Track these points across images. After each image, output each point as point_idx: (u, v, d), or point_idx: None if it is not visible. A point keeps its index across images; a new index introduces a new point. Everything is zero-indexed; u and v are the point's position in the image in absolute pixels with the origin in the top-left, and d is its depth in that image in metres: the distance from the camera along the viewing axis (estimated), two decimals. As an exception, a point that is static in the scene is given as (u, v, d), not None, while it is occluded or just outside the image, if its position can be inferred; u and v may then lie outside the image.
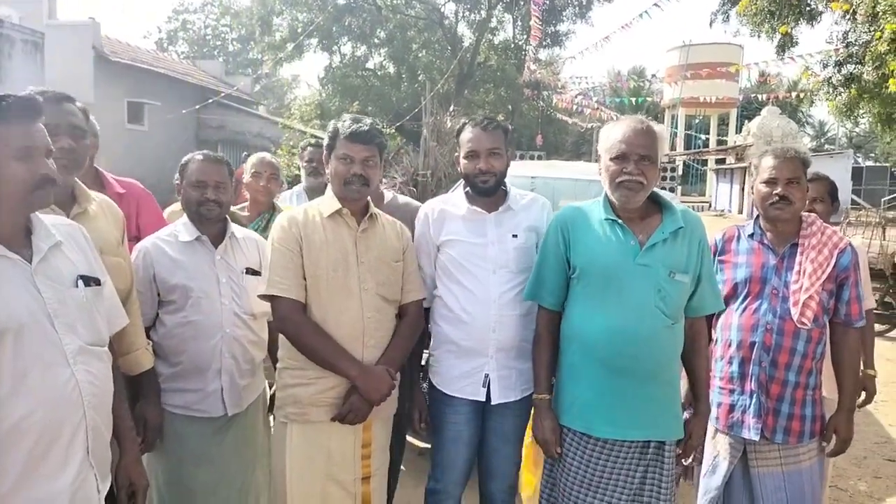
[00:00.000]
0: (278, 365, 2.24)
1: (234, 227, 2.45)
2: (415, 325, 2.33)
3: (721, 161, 31.97)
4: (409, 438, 3.84)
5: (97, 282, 1.63)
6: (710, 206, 30.02)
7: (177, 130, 18.48)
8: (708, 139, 34.97)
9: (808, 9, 9.26)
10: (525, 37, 18.44)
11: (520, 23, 23.65)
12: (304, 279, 2.14)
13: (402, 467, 3.14)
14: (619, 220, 2.09)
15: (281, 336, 2.22)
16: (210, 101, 18.32)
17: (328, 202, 2.22)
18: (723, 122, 36.27)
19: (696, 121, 35.99)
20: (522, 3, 18.96)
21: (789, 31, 9.16)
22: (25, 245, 1.49)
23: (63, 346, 1.47)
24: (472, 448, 2.40)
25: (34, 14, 15.53)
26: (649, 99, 31.14)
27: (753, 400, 2.31)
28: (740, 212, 27.73)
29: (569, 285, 2.17)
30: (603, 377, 2.05)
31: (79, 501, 1.49)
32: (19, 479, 1.40)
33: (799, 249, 2.35)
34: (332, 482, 2.16)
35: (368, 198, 2.26)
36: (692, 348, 2.18)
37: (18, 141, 1.42)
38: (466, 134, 2.36)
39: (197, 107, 18.27)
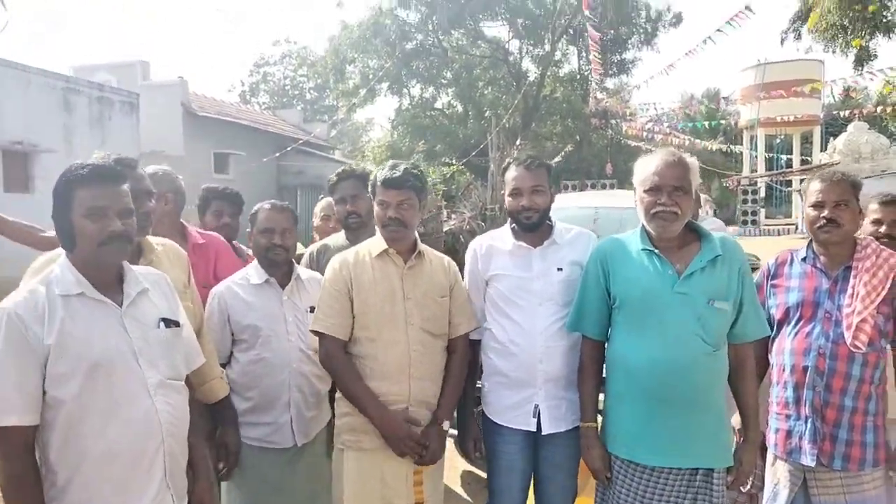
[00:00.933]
0: (336, 395, 2.41)
1: (299, 269, 2.67)
2: (463, 360, 2.47)
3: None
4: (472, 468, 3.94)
5: (177, 324, 1.85)
6: (796, 228, 28.62)
7: (259, 178, 19.48)
8: (791, 159, 33.53)
9: (883, 21, 8.92)
10: (590, 68, 18.49)
11: (584, 54, 23.71)
12: (353, 317, 2.32)
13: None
14: (656, 251, 2.16)
15: None
16: (289, 148, 19.26)
17: (377, 243, 2.40)
18: (806, 140, 34.71)
19: (778, 140, 34.61)
20: (586, 34, 19.05)
21: (864, 44, 8.82)
22: (117, 291, 1.74)
23: (146, 380, 1.69)
24: (525, 476, 2.46)
25: (129, 76, 16.98)
26: (724, 121, 30.25)
27: (808, 425, 2.28)
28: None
29: (611, 315, 2.24)
30: (646, 405, 2.11)
31: None
32: (109, 498, 1.61)
33: (852, 273, 2.33)
34: None
35: (417, 236, 2.43)
36: (738, 375, 2.20)
37: (88, 202, 1.65)
38: (511, 173, 2.48)
39: (277, 154, 19.23)
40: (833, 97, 24.00)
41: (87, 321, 1.64)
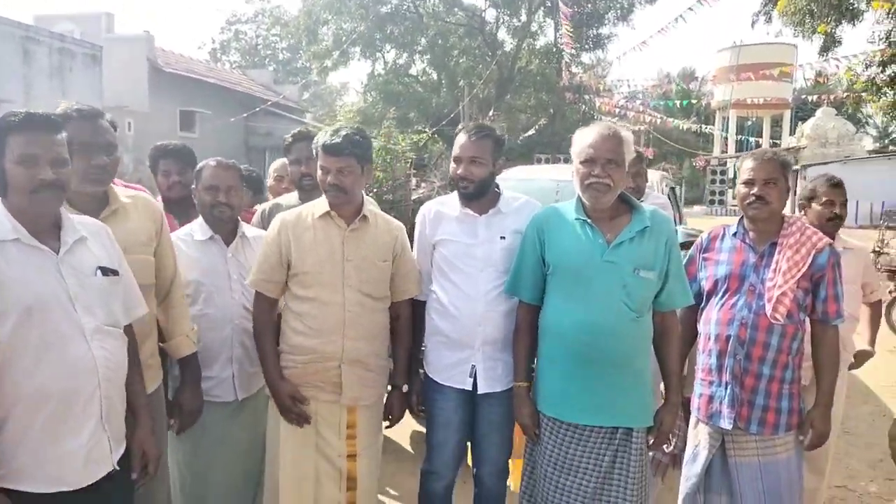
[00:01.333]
0: (278, 348, 2.46)
1: (244, 227, 2.69)
2: (409, 323, 2.57)
3: (772, 163, 31.05)
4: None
5: (115, 273, 1.87)
6: (760, 209, 29.12)
7: (226, 138, 19.18)
8: (760, 142, 34.08)
9: (849, 8, 9.06)
10: (565, 41, 18.46)
11: (561, 27, 23.63)
12: (288, 275, 2.39)
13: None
14: (589, 220, 2.24)
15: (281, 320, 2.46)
16: (258, 108, 18.96)
17: (321, 204, 2.44)
18: (776, 123, 35.27)
19: (749, 123, 35.11)
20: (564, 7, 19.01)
21: (829, 30, 8.97)
22: (55, 238, 1.75)
23: (82, 325, 1.72)
24: (461, 434, 2.56)
25: (93, 29, 16.44)
26: (696, 101, 30.49)
27: (728, 391, 2.40)
28: (791, 211, 26.87)
29: (545, 281, 2.33)
30: (572, 366, 2.21)
31: (93, 459, 1.73)
32: (42, 437, 1.65)
33: (777, 248, 2.44)
34: (321, 455, 2.40)
35: (363, 199, 2.46)
36: (662, 341, 2.32)
37: (19, 149, 1.66)
38: (457, 140, 2.53)
39: (245, 115, 18.92)
40: (804, 81, 24.46)
41: (22, 266, 1.66)
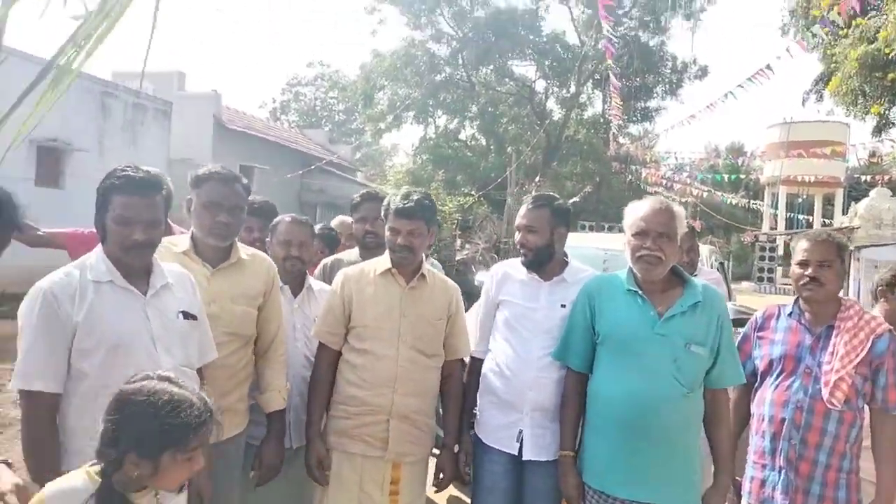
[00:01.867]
0: (332, 399, 2.52)
1: (311, 281, 2.83)
2: (460, 383, 2.62)
3: (825, 242, 30.23)
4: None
5: (194, 317, 2.01)
6: (812, 288, 28.21)
7: (282, 193, 19.80)
8: (811, 220, 33.38)
9: (904, 90, 9.01)
10: (613, 113, 18.79)
11: (609, 99, 24.06)
12: (347, 329, 2.48)
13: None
14: (640, 292, 2.26)
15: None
16: (313, 167, 19.63)
17: (383, 261, 2.54)
18: (829, 202, 34.56)
19: (800, 200, 34.52)
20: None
21: (883, 111, 8.91)
22: (144, 282, 1.90)
23: (160, 363, 1.82)
24: (507, 500, 2.52)
25: (166, 85, 17.48)
26: (745, 176, 30.22)
27: (782, 476, 2.33)
28: (846, 293, 25.98)
29: (595, 350, 2.34)
30: (620, 439, 2.19)
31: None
32: None
33: (835, 332, 2.39)
34: None
35: (423, 258, 2.56)
36: (713, 419, 2.28)
37: (118, 209, 1.82)
38: (520, 210, 2.63)
39: (301, 171, 19.60)
40: (857, 161, 24.03)
41: (113, 305, 1.81)
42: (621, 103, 14.33)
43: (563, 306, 2.50)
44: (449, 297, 2.57)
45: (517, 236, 2.58)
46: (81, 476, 1.48)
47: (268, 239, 2.83)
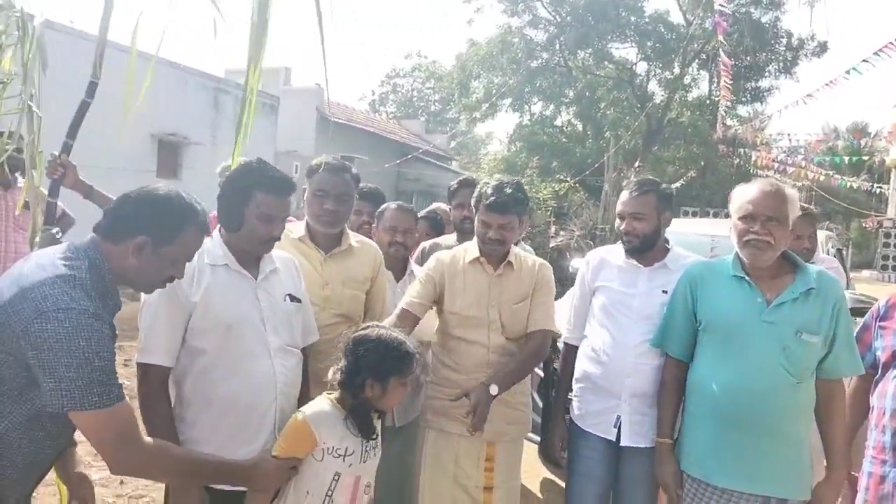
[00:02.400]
0: (427, 378, 2.58)
1: (413, 266, 2.95)
2: (535, 351, 2.49)
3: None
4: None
5: (299, 300, 2.14)
6: (944, 278, 25.81)
7: (380, 181, 20.32)
8: (945, 205, 30.31)
9: None
10: (720, 93, 17.80)
11: (716, 79, 22.86)
12: (438, 310, 2.56)
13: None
14: (747, 278, 2.18)
15: (430, 353, 2.60)
16: (409, 156, 20.06)
17: (472, 249, 2.58)
18: (965, 184, 31.30)
19: (933, 182, 31.43)
20: (719, 59, 18.40)
21: None
22: (255, 266, 2.04)
23: (268, 343, 1.96)
24: (602, 486, 2.52)
25: (273, 80, 18.39)
26: (868, 158, 27.91)
27: (903, 474, 2.20)
28: None
29: (696, 337, 2.28)
30: (722, 428, 2.13)
31: None
32: (226, 440, 1.89)
33: None
34: (458, 486, 2.49)
35: (512, 246, 2.57)
36: (826, 411, 2.17)
37: (265, 208, 1.96)
38: (621, 196, 2.59)
39: (398, 161, 20.08)
40: None
41: (227, 287, 1.95)
42: (731, 82, 13.58)
43: (664, 292, 2.44)
44: (533, 276, 2.57)
45: (620, 224, 2.54)
46: (327, 402, 1.89)
47: (374, 224, 2.96)
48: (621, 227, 2.52)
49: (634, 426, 2.43)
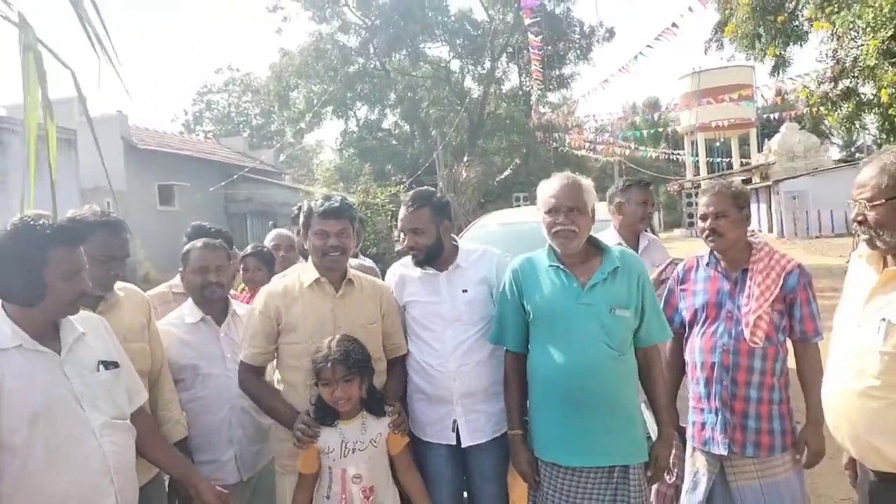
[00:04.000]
0: (272, 423, 2.46)
1: (234, 305, 2.73)
2: (403, 374, 2.58)
3: (747, 182, 31.81)
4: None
5: (116, 365, 1.92)
6: (738, 227, 29.52)
7: (207, 207, 19.23)
8: (731, 161, 34.81)
9: (794, 31, 9.47)
10: (531, 82, 19.02)
11: (525, 70, 24.33)
12: (276, 345, 2.42)
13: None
14: (562, 266, 2.32)
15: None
16: (235, 176, 19.14)
17: (308, 272, 2.47)
18: (744, 143, 36.13)
19: (717, 144, 35.94)
20: (525, 51, 19.60)
21: (779, 52, 9.34)
22: (54, 339, 1.79)
23: (90, 422, 1.75)
24: (455, 487, 2.56)
25: (66, 112, 16.61)
26: (663, 129, 31.24)
27: (719, 417, 2.44)
28: (770, 231, 27.39)
29: (528, 329, 2.38)
30: (563, 410, 2.25)
31: None
32: None
33: (749, 275, 2.51)
34: None
35: (348, 265, 2.51)
36: (647, 376, 2.37)
37: (65, 264, 1.73)
38: (400, 212, 2.64)
39: (223, 183, 19.08)
40: (764, 100, 25.20)
41: (25, 372, 1.70)
42: (541, 70, 14.50)
43: (464, 291, 2.55)
44: (379, 298, 2.54)
45: (404, 239, 2.58)
46: None
47: (180, 269, 2.72)
48: (406, 243, 2.56)
49: (471, 425, 2.50)
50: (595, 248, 2.38)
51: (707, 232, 2.51)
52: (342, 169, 24.03)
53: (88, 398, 1.77)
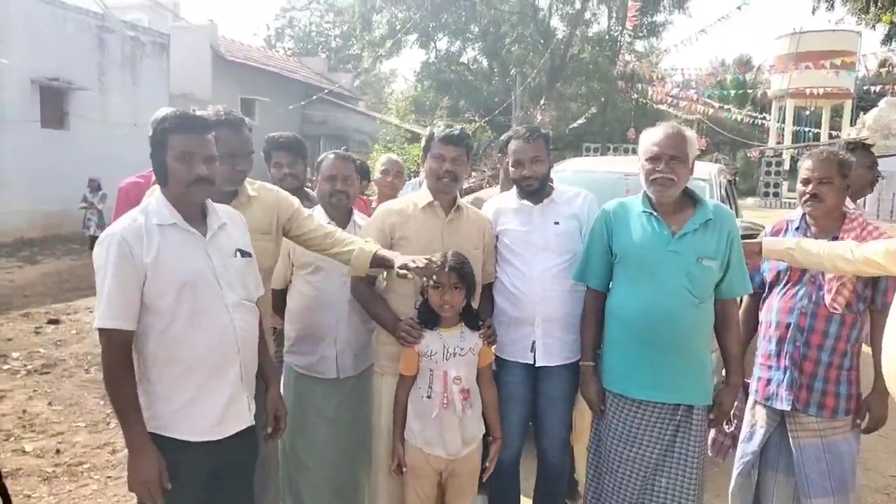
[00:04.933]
0: (375, 328, 2.68)
1: (356, 215, 2.92)
2: (491, 298, 2.78)
3: (832, 155, 29.94)
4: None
5: (249, 254, 2.15)
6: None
7: (285, 125, 19.55)
8: (819, 133, 32.90)
9: (918, -3, 8.79)
10: (620, 29, 18.27)
11: (615, 14, 23.34)
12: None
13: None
14: (655, 213, 2.42)
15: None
16: (314, 97, 19.38)
17: (423, 195, 2.66)
18: (837, 114, 33.96)
19: (807, 113, 33.90)
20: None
21: (894, 20, 8.73)
22: (202, 223, 2.03)
23: (225, 299, 1.99)
24: (525, 406, 2.76)
25: (160, 17, 17.02)
26: (752, 90, 29.59)
27: (787, 375, 2.53)
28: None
29: (612, 269, 2.51)
30: (637, 347, 2.40)
31: (234, 414, 2.01)
32: (194, 396, 1.94)
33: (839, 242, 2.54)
34: None
35: (457, 193, 2.68)
36: (722, 326, 2.48)
37: (179, 147, 1.93)
38: (512, 145, 2.77)
39: (302, 103, 19.37)
40: (866, 71, 23.41)
41: (178, 247, 1.94)
42: (636, 13, 13.90)
43: (556, 223, 2.71)
44: (482, 228, 2.71)
45: (517, 170, 2.71)
46: None
47: (312, 177, 2.90)
48: (523, 173, 2.70)
49: (546, 348, 2.68)
50: (690, 199, 2.45)
51: (807, 196, 2.54)
52: (417, 100, 23.91)
53: (226, 278, 2.00)
